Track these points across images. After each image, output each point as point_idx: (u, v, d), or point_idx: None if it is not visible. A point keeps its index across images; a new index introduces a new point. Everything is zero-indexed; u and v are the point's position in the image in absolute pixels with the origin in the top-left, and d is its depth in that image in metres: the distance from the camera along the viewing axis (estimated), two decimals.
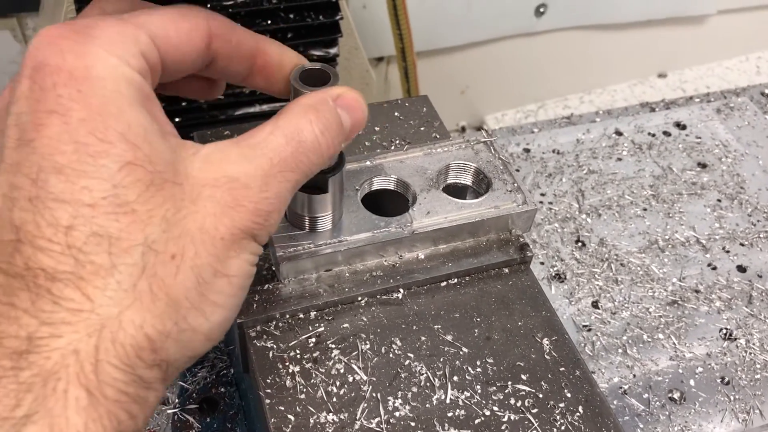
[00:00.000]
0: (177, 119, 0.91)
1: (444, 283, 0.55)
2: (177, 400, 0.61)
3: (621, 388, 0.66)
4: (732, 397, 0.66)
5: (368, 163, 0.59)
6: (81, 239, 0.36)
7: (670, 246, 0.78)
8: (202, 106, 0.92)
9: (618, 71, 1.58)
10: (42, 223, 0.36)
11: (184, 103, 0.90)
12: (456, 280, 0.55)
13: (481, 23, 1.35)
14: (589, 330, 0.70)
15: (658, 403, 0.65)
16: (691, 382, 0.67)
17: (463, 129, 1.54)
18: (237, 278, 0.40)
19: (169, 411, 0.61)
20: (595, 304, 0.72)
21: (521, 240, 0.57)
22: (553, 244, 0.77)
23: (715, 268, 0.76)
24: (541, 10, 1.37)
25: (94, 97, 0.38)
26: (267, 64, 0.50)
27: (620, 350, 0.69)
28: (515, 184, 0.57)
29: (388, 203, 0.59)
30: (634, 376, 0.67)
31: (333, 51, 0.93)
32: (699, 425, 0.64)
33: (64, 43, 0.38)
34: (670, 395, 0.66)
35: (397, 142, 0.64)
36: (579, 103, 1.55)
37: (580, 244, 0.78)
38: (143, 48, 0.41)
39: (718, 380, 0.67)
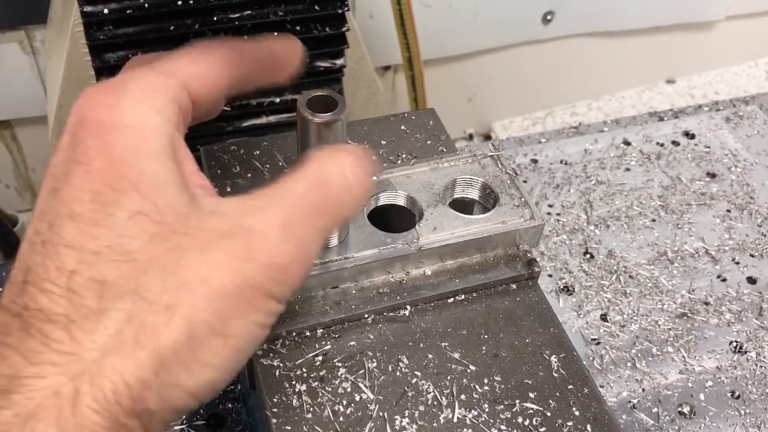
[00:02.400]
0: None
1: (451, 300, 0.55)
2: (184, 417, 0.61)
3: (630, 402, 0.66)
4: (742, 412, 0.65)
5: (374, 178, 0.58)
6: (80, 283, 0.36)
7: (679, 257, 0.77)
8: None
9: (626, 78, 1.57)
10: (50, 266, 0.37)
11: None
12: (463, 297, 0.55)
13: (488, 31, 1.34)
14: (598, 343, 0.70)
15: (667, 417, 0.65)
16: (701, 396, 0.66)
17: (471, 137, 1.53)
18: (236, 340, 0.38)
19: (176, 427, 0.61)
20: (603, 317, 0.72)
21: (529, 255, 0.57)
22: (561, 256, 0.77)
23: (724, 280, 0.76)
24: (548, 17, 1.36)
25: (117, 147, 0.38)
26: (275, 63, 0.51)
27: (629, 364, 0.69)
28: (522, 199, 0.57)
29: (395, 218, 0.59)
30: (643, 390, 0.67)
31: (340, 62, 0.93)
32: None
33: (99, 98, 0.40)
34: (679, 409, 0.66)
35: (404, 155, 0.64)
36: (587, 110, 1.54)
37: (588, 256, 0.77)
38: (174, 94, 0.42)
39: (729, 394, 0.67)
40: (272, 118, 0.95)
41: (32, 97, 1.11)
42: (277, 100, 0.94)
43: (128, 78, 0.41)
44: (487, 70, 1.43)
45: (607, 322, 0.72)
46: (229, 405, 0.61)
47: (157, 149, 0.40)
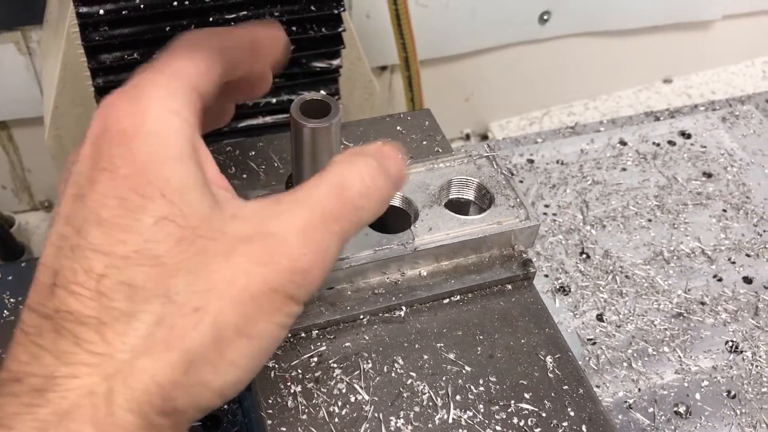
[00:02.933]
0: None
1: (446, 300, 0.55)
2: None
3: (626, 402, 0.66)
4: (738, 411, 0.65)
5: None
6: (109, 286, 0.37)
7: (675, 257, 0.77)
8: None
9: (623, 77, 1.57)
10: (78, 270, 0.38)
11: None
12: (459, 297, 0.55)
13: (485, 31, 1.34)
14: (594, 343, 0.70)
15: (663, 417, 0.65)
16: (697, 396, 0.67)
17: (468, 136, 1.53)
18: (260, 341, 0.39)
19: None
20: (599, 317, 0.72)
21: (524, 256, 0.57)
22: (558, 256, 0.77)
23: (720, 280, 0.76)
24: (545, 17, 1.36)
25: (141, 154, 0.39)
26: (259, 49, 0.51)
27: (625, 364, 0.69)
28: (518, 199, 0.57)
29: (391, 218, 0.59)
30: (639, 390, 0.67)
31: (336, 62, 0.93)
32: None
33: (120, 106, 0.41)
34: (675, 409, 0.66)
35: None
36: (584, 110, 1.54)
37: (584, 256, 0.77)
38: (188, 96, 0.42)
39: (724, 394, 0.67)
40: (268, 119, 0.95)
41: (28, 98, 1.11)
42: (273, 100, 0.94)
43: (143, 83, 0.42)
44: (484, 70, 1.43)
45: (603, 322, 0.72)
46: (225, 406, 0.61)
47: (180, 153, 0.41)
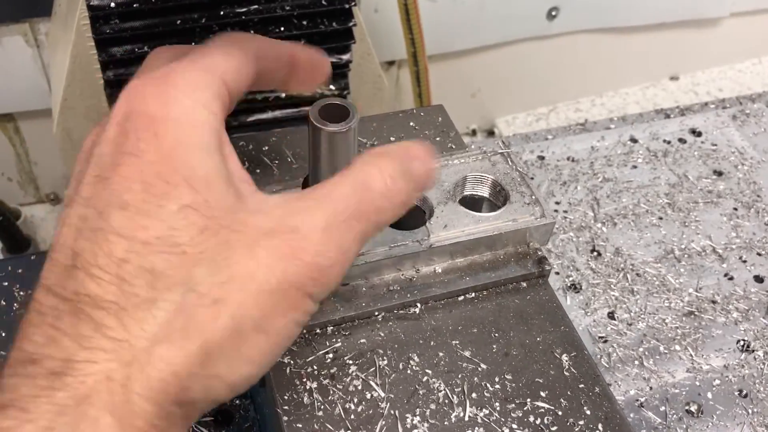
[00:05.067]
0: None
1: (461, 298, 0.55)
2: None
3: (638, 400, 0.66)
4: (750, 411, 0.65)
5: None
6: (130, 272, 0.37)
7: (686, 256, 0.77)
8: None
9: (630, 74, 1.57)
10: (99, 252, 0.37)
11: None
12: (474, 295, 0.55)
13: (493, 26, 1.34)
14: (605, 341, 0.70)
15: (675, 416, 0.65)
16: (709, 395, 0.66)
17: (474, 132, 1.53)
18: (276, 337, 0.40)
19: None
20: (611, 315, 0.72)
21: (539, 253, 0.56)
22: (569, 253, 0.77)
23: (731, 278, 0.76)
24: (553, 13, 1.36)
25: (167, 140, 0.39)
26: (298, 69, 0.51)
27: (636, 362, 0.68)
28: (533, 197, 0.57)
29: (404, 215, 0.58)
30: (651, 388, 0.67)
31: (346, 57, 0.93)
32: None
33: (148, 90, 0.40)
34: (687, 408, 0.66)
35: None
36: (591, 106, 1.54)
37: (595, 253, 0.77)
38: (217, 90, 0.42)
39: (736, 393, 0.67)
40: (278, 113, 0.94)
41: (36, 90, 1.11)
42: (283, 95, 0.93)
43: (174, 72, 0.41)
44: (491, 65, 1.43)
45: (615, 320, 0.72)
46: (237, 401, 0.61)
47: (206, 143, 0.40)
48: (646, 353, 0.69)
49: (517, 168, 0.59)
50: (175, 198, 0.38)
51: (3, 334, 0.70)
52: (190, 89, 0.41)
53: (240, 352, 0.38)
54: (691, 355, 0.69)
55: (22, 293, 0.73)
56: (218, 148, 0.41)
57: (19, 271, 0.74)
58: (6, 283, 0.73)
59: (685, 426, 0.64)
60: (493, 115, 1.52)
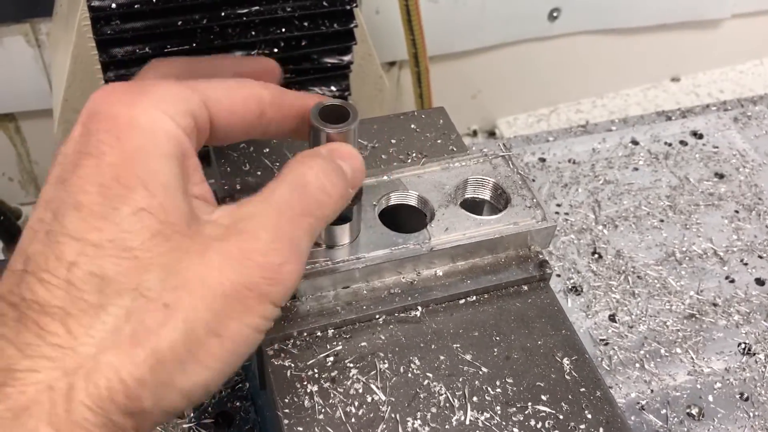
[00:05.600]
0: None
1: (462, 301, 0.54)
2: (192, 414, 0.61)
3: (638, 403, 0.66)
4: (751, 414, 0.65)
5: (385, 177, 0.58)
6: (79, 276, 0.36)
7: (687, 258, 0.77)
8: None
9: (631, 75, 1.57)
10: (50, 256, 0.37)
11: None
12: (475, 298, 0.55)
13: (494, 27, 1.34)
14: (606, 344, 0.70)
15: (676, 419, 0.65)
16: (710, 398, 0.66)
17: (475, 133, 1.53)
18: (232, 342, 0.39)
19: (184, 425, 0.61)
20: (612, 318, 0.72)
21: (540, 257, 0.56)
22: (570, 255, 0.77)
23: (733, 281, 0.76)
24: (555, 14, 1.36)
25: (129, 144, 0.39)
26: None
27: (637, 365, 0.68)
28: (534, 200, 0.57)
29: (405, 218, 0.58)
30: (652, 391, 0.67)
31: (347, 58, 0.93)
32: None
33: (117, 95, 0.40)
34: (688, 411, 0.66)
35: (414, 155, 0.63)
36: (592, 107, 1.54)
37: (596, 256, 0.77)
38: (192, 108, 0.42)
39: (737, 396, 0.67)
40: None
41: (37, 90, 1.11)
42: None
43: (150, 84, 0.42)
44: (493, 66, 1.43)
45: (616, 322, 0.71)
46: (238, 403, 0.61)
47: (167, 153, 0.40)
48: (647, 356, 0.69)
49: (518, 171, 0.59)
50: (131, 201, 0.38)
51: None
52: (161, 99, 0.41)
53: (194, 357, 0.37)
54: (692, 357, 0.69)
55: None
56: (180, 159, 0.41)
57: None
58: None
59: (686, 429, 0.64)
60: (494, 116, 1.52)
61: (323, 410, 0.47)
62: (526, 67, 1.45)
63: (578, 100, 1.55)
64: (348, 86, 0.94)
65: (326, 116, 0.47)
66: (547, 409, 0.49)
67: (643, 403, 0.66)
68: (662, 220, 0.81)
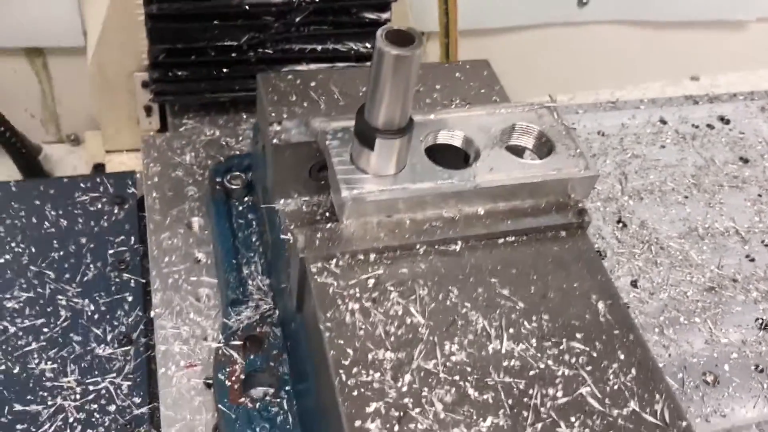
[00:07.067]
0: (225, 70, 0.92)
1: (501, 240, 0.55)
2: (221, 336, 0.61)
3: None
4: (765, 385, 0.66)
5: (432, 116, 0.59)
6: None
7: (709, 234, 0.78)
8: (251, 60, 0.92)
9: (652, 70, 1.57)
10: None
11: (233, 54, 0.90)
12: (514, 238, 0.55)
13: (525, 8, 1.34)
14: (627, 308, 0.70)
15: (692, 383, 0.66)
16: (726, 367, 0.67)
17: None
18: None
19: (213, 345, 0.61)
20: (634, 284, 0.73)
21: (580, 205, 0.57)
22: (595, 222, 0.78)
23: (753, 260, 0.77)
24: (585, 0, 1.37)
25: None
26: None
27: (657, 329, 0.69)
28: (578, 150, 0.58)
29: (443, 159, 0.59)
30: (670, 355, 0.68)
31: (385, 16, 0.93)
32: (732, 408, 0.65)
33: None
34: (704, 377, 0.67)
35: (457, 101, 0.64)
36: (610, 98, 1.54)
37: (621, 224, 0.78)
38: None
39: (752, 367, 0.68)
40: (312, 66, 0.95)
41: (67, 27, 1.10)
42: (319, 48, 0.94)
43: None
44: (517, 47, 1.43)
45: (637, 288, 0.72)
46: (267, 329, 0.61)
47: None
48: (667, 322, 0.70)
49: (562, 122, 0.60)
50: None
51: (33, 250, 0.70)
52: None
53: None
54: (710, 327, 0.70)
55: (53, 213, 0.73)
56: None
57: (51, 191, 0.75)
58: (38, 202, 0.74)
59: (701, 394, 0.65)
60: (511, 97, 1.52)
61: (363, 327, 0.48)
62: (550, 51, 1.45)
63: (597, 90, 1.55)
64: None
65: (392, 41, 0.47)
66: (582, 347, 0.50)
67: (661, 366, 0.66)
68: (686, 197, 0.82)
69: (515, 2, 1.32)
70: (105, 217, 0.73)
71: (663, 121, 0.91)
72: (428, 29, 1.30)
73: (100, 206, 0.74)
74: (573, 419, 0.46)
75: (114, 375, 0.63)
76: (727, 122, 0.92)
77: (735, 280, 0.74)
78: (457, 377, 0.47)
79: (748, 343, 0.69)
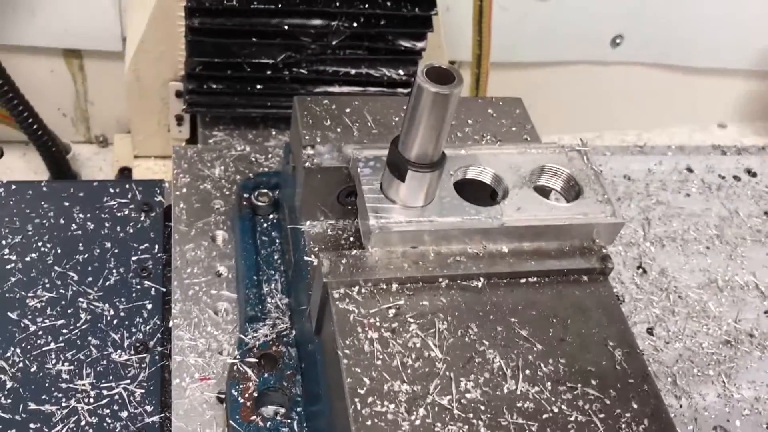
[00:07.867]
0: (259, 86, 0.93)
1: (523, 280, 0.55)
2: (236, 352, 0.62)
3: None
4: None
5: (463, 152, 0.59)
6: None
7: (729, 287, 0.78)
8: (285, 79, 0.93)
9: (680, 115, 1.58)
10: None
11: (269, 72, 0.92)
12: (535, 279, 0.56)
13: (557, 45, 1.35)
14: (642, 355, 0.70)
15: None
16: (737, 423, 0.67)
17: None
18: None
19: (228, 360, 0.62)
20: (650, 331, 0.73)
21: (604, 251, 0.57)
22: (615, 266, 0.77)
23: None
24: (618, 40, 1.37)
25: None
26: None
27: (670, 379, 0.69)
28: (605, 196, 0.58)
29: (470, 194, 0.59)
30: (681, 406, 0.67)
31: (420, 45, 0.94)
32: None
33: None
34: (714, 431, 0.66)
35: (488, 137, 0.65)
36: (636, 140, 1.55)
37: (641, 270, 0.78)
38: None
39: (764, 425, 0.67)
40: (345, 89, 0.96)
41: (107, 31, 1.12)
42: (353, 71, 0.95)
43: None
44: (546, 82, 1.44)
45: (653, 336, 0.72)
46: (282, 348, 0.62)
47: None
48: (680, 372, 0.70)
49: (592, 166, 0.60)
50: None
51: (59, 250, 0.71)
52: None
53: None
54: (723, 381, 0.70)
55: (80, 215, 0.74)
56: None
57: (81, 194, 0.76)
58: (67, 204, 0.75)
59: None
60: (538, 132, 1.53)
61: (381, 357, 0.49)
62: (579, 89, 1.46)
63: (625, 130, 1.56)
64: (415, 72, 0.95)
65: (432, 78, 0.48)
66: (596, 393, 0.50)
67: (672, 416, 0.66)
68: (708, 247, 0.82)
69: (548, 38, 1.33)
70: (131, 224, 0.74)
71: (690, 170, 0.91)
72: (460, 58, 1.32)
73: (127, 212, 0.75)
74: None
75: (128, 381, 0.64)
76: (754, 175, 0.92)
77: (752, 335, 0.74)
78: (470, 415, 0.47)
79: (761, 401, 0.69)
